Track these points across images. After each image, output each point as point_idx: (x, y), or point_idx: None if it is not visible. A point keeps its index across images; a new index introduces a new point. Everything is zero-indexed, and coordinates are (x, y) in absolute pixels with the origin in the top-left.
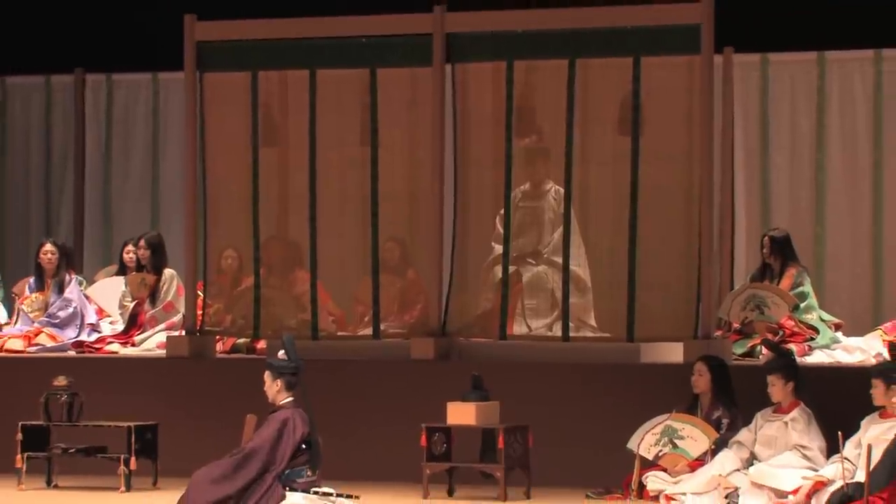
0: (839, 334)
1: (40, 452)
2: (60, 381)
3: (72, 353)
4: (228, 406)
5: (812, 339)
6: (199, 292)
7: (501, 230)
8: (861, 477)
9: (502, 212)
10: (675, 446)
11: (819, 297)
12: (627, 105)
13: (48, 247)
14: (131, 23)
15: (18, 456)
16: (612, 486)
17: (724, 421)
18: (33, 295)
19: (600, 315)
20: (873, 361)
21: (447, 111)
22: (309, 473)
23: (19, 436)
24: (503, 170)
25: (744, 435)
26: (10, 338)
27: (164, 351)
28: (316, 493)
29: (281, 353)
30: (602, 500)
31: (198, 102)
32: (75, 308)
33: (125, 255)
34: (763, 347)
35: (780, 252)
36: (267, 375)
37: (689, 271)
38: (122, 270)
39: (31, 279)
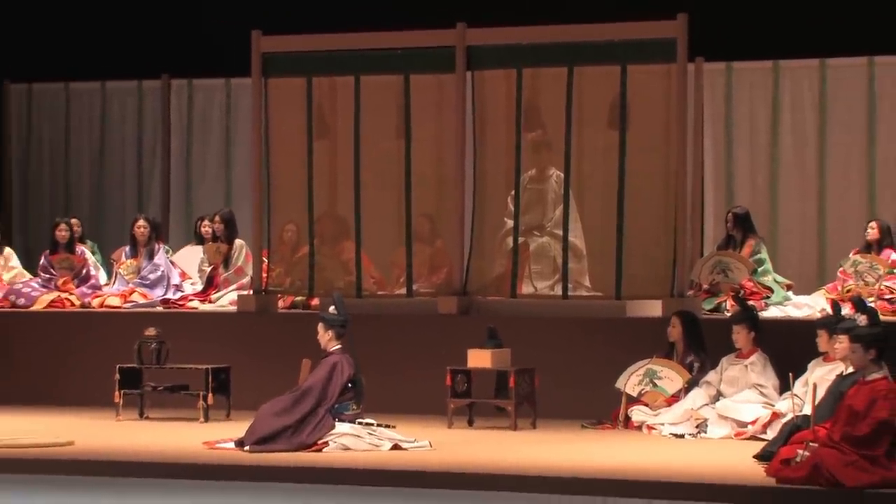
0: (790, 293)
1: (134, 390)
2: (150, 331)
3: (160, 308)
4: (288, 352)
5: (768, 297)
6: (264, 259)
7: (512, 208)
8: (808, 410)
9: (513, 193)
10: (655, 385)
11: (773, 263)
12: (616, 105)
13: (141, 221)
14: (208, 36)
15: (116, 393)
16: (603, 418)
17: (696, 364)
18: (128, 261)
19: (593, 278)
20: (818, 315)
21: (468, 110)
22: (354, 407)
23: (117, 376)
24: (513, 158)
25: (711, 376)
26: (109, 296)
27: (236, 307)
28: (360, 423)
29: (332, 308)
30: (595, 430)
31: (263, 103)
32: (163, 272)
33: (203, 229)
34: (728, 303)
35: (742, 226)
36: (320, 327)
37: (666, 242)
38: (200, 240)
39: (127, 248)
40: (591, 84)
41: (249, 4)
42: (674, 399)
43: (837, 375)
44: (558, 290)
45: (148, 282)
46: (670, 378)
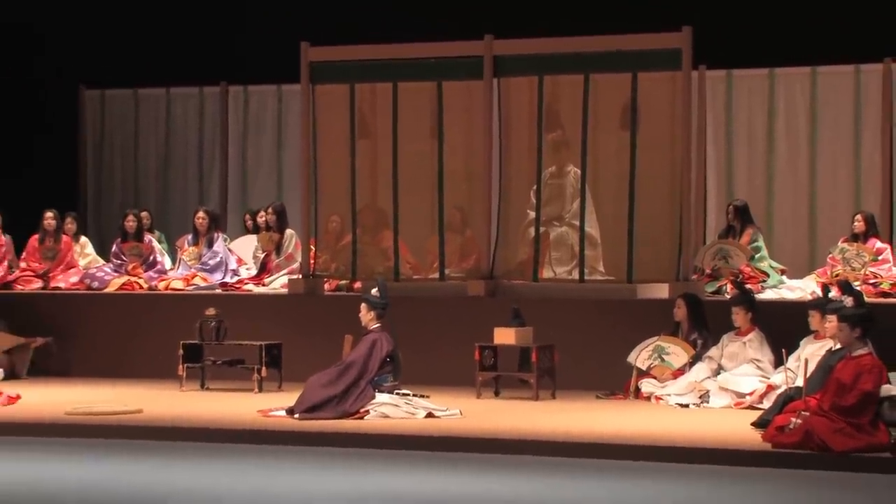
0: (784, 277)
1: (196, 364)
2: (210, 311)
3: (219, 291)
4: (333, 330)
5: (764, 281)
6: (312, 247)
7: (534, 201)
8: (800, 383)
9: (535, 187)
10: (662, 360)
11: (769, 250)
12: (627, 109)
13: (200, 213)
14: (262, 47)
15: (180, 366)
16: (616, 389)
17: (699, 341)
18: (190, 248)
19: (607, 263)
20: (809, 297)
21: (494, 113)
22: (392, 379)
23: (180, 351)
24: (535, 156)
25: (713, 352)
26: (173, 280)
27: (287, 290)
28: (397, 393)
29: (374, 290)
30: (608, 400)
31: (311, 107)
32: (221, 258)
33: (257, 219)
34: (729, 287)
35: (741, 217)
36: (363, 307)
37: (672, 231)
38: (253, 230)
39: (189, 236)
40: (605, 90)
41: (299, 18)
42: (679, 372)
43: (827, 351)
44: (575, 275)
45: (208, 267)
46: (676, 353)
